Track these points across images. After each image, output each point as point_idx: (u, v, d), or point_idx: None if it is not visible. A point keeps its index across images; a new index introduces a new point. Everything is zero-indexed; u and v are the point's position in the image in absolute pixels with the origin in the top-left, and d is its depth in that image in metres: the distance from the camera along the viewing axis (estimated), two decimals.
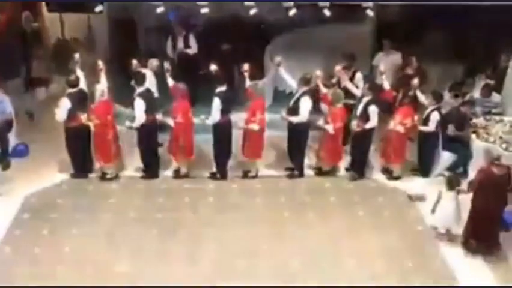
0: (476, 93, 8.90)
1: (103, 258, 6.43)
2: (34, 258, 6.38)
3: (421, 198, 7.66)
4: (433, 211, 6.81)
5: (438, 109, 7.87)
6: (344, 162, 8.36)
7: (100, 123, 7.56)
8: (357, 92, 8.04)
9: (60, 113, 7.50)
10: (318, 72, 7.87)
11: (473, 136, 8.03)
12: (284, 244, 6.77)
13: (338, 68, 8.22)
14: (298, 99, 7.75)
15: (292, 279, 6.24)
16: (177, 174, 8.10)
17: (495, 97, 8.86)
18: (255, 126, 7.68)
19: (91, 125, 7.53)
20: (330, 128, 7.73)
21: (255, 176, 8.14)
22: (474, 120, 8.38)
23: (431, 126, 7.85)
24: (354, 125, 7.77)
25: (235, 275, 6.26)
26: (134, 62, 7.96)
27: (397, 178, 8.18)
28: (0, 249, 6.50)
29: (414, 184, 8.01)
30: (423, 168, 8.24)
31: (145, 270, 6.27)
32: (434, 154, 8.15)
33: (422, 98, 8.05)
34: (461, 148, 8.02)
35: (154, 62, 8.71)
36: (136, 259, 6.43)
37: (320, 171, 8.29)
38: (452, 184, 6.62)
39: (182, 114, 7.64)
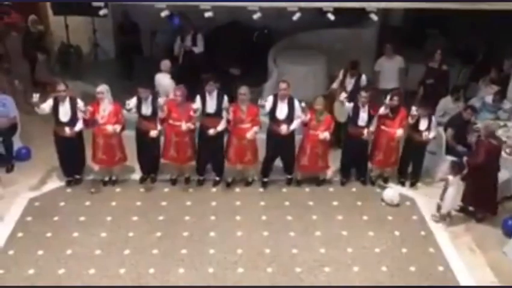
0: (488, 98, 8.85)
1: (105, 261, 6.43)
2: (37, 261, 6.38)
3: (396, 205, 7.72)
4: (442, 199, 7.21)
5: (430, 116, 7.78)
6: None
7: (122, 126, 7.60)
8: (350, 106, 7.76)
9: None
10: (318, 106, 7.60)
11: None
12: (287, 248, 6.75)
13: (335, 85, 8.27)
14: (291, 108, 7.53)
15: (295, 284, 6.22)
16: (175, 182, 8.03)
17: (506, 104, 8.82)
18: (256, 129, 7.56)
19: (118, 127, 7.43)
20: (327, 135, 7.54)
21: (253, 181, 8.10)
22: (478, 125, 8.34)
23: (435, 132, 7.80)
24: (365, 134, 7.57)
25: (237, 278, 6.25)
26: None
27: (386, 181, 8.15)
28: (3, 251, 6.51)
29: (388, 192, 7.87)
30: (415, 174, 8.17)
31: (148, 273, 6.26)
32: (423, 160, 8.08)
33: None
34: (465, 152, 7.98)
35: (167, 64, 8.65)
36: (138, 262, 6.42)
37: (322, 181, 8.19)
38: (459, 169, 7.05)
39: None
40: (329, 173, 8.23)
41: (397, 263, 6.56)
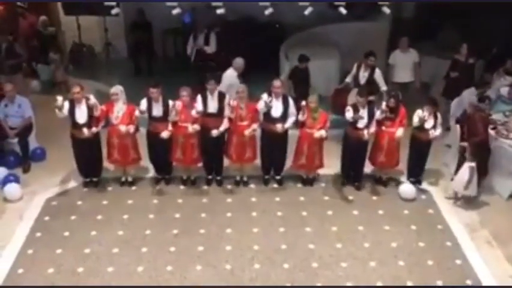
0: (503, 90, 8.76)
1: (123, 258, 6.48)
2: (56, 260, 6.44)
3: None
4: (467, 187, 7.35)
5: (436, 113, 7.61)
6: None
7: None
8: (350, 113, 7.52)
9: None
10: (313, 104, 7.43)
11: (493, 133, 7.93)
12: (304, 244, 6.75)
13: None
14: (286, 106, 7.47)
15: (312, 280, 6.22)
16: (185, 183, 7.98)
17: None
18: (255, 127, 7.53)
19: (132, 128, 7.42)
20: (323, 133, 7.43)
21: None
22: (493, 117, 8.27)
23: (440, 129, 7.61)
24: (365, 135, 7.37)
25: (254, 275, 6.26)
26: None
27: (386, 183, 7.99)
28: (22, 251, 6.58)
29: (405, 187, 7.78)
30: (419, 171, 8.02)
31: (165, 270, 6.30)
32: (427, 158, 7.89)
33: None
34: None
35: (238, 61, 8.43)
36: (156, 259, 6.46)
37: (311, 180, 8.06)
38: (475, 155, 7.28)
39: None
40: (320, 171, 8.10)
41: (414, 257, 6.54)
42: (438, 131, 7.56)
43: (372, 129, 7.51)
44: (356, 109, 7.40)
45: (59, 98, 7.19)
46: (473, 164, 7.21)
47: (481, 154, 7.37)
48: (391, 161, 7.80)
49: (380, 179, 8.04)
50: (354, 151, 7.68)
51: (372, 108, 7.54)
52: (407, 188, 7.71)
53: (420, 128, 7.54)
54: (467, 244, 6.78)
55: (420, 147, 7.75)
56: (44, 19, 11.15)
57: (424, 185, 7.96)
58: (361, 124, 7.44)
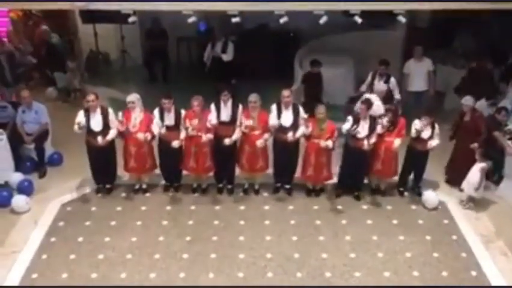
0: None
1: (136, 265, 6.50)
2: (69, 265, 6.49)
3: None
4: (478, 188, 7.43)
5: (433, 123, 7.52)
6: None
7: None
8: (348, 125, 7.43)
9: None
10: (320, 115, 7.37)
11: (510, 143, 7.84)
12: (317, 252, 6.72)
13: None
14: (296, 116, 7.41)
15: None
16: (195, 191, 7.99)
17: None
18: (266, 137, 7.48)
19: (149, 136, 7.42)
20: (329, 144, 7.34)
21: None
22: (509, 127, 8.18)
23: (437, 140, 7.48)
24: (365, 145, 7.26)
25: (267, 283, 6.25)
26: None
27: (384, 192, 7.94)
28: (37, 256, 6.64)
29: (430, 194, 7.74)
30: (416, 183, 7.94)
31: (178, 277, 6.31)
32: (425, 169, 7.83)
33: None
34: (497, 154, 7.85)
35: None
36: (169, 266, 6.47)
37: (317, 191, 7.98)
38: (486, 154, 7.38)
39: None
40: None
41: (429, 268, 6.48)
42: (435, 142, 7.46)
43: (373, 139, 7.41)
44: (356, 120, 7.34)
45: (82, 120, 7.28)
46: (484, 165, 7.22)
47: (494, 157, 7.47)
48: (388, 170, 7.72)
49: (378, 189, 7.99)
50: (354, 161, 7.60)
51: (373, 120, 7.44)
52: (430, 196, 7.66)
53: (418, 138, 7.48)
54: (483, 255, 6.71)
55: (416, 157, 7.67)
56: (46, 29, 11.31)
57: (439, 195, 7.86)
58: (361, 134, 7.37)
